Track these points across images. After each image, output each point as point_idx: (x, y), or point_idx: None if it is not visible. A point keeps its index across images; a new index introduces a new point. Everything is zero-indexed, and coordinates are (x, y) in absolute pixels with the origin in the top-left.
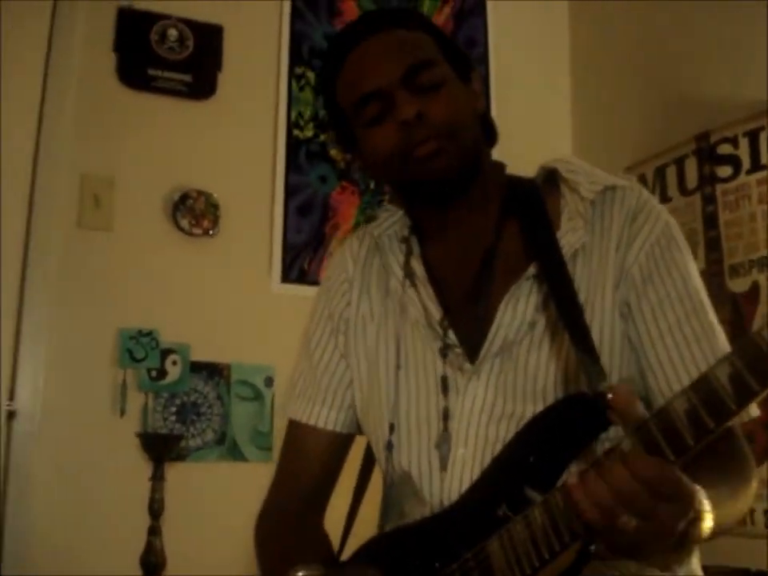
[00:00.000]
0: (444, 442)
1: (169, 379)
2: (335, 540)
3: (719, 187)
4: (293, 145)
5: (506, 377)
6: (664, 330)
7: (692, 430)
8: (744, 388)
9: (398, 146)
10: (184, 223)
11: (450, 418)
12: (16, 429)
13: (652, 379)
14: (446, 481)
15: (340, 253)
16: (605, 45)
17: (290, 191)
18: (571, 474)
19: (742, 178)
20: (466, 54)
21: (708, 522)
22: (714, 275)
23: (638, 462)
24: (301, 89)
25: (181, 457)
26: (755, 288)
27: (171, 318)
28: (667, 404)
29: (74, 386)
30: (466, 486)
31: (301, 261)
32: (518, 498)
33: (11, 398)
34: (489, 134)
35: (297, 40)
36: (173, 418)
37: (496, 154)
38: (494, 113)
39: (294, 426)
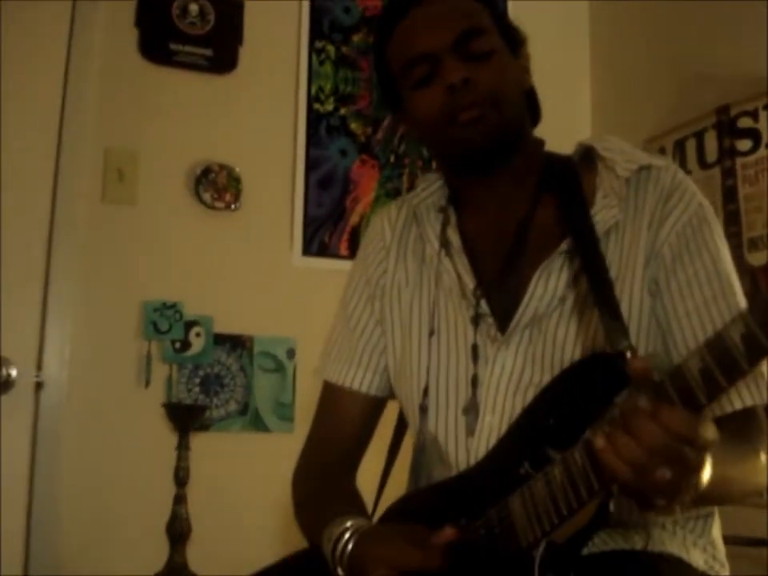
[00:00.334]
0: (472, 408)
1: (192, 351)
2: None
3: (739, 161)
4: (313, 119)
5: (535, 348)
6: (691, 309)
7: (705, 388)
8: (756, 347)
9: (442, 109)
10: (206, 197)
11: (478, 385)
12: (43, 400)
13: (677, 357)
14: (473, 447)
15: (378, 221)
16: (625, 18)
17: (310, 165)
18: (595, 435)
19: (762, 151)
20: (518, 29)
21: (706, 471)
22: (732, 249)
23: (665, 414)
24: (321, 63)
25: (204, 427)
26: None
27: (194, 290)
28: (682, 363)
29: (100, 357)
30: None
31: (321, 234)
32: (540, 457)
33: (39, 369)
34: (533, 111)
35: (317, 14)
36: (196, 389)
37: None
38: None
39: (329, 388)
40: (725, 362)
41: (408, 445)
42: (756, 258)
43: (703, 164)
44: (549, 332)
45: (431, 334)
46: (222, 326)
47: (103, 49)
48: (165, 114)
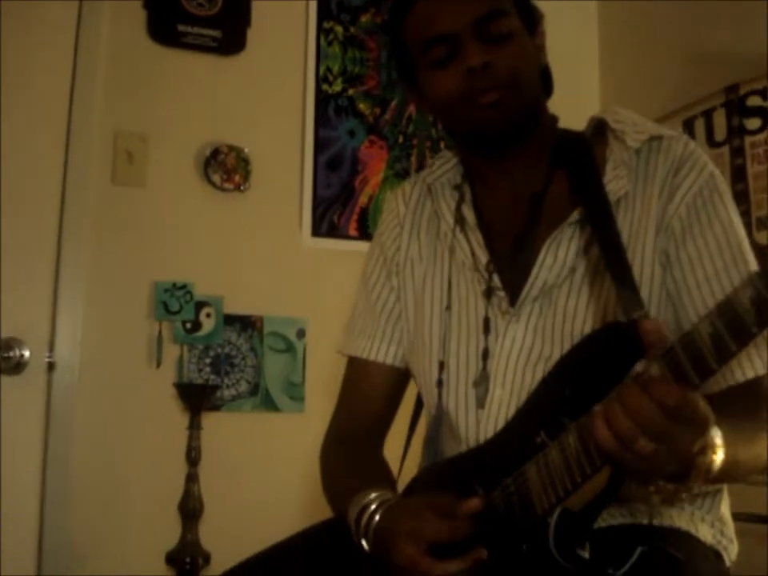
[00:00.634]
0: (482, 381)
1: (203, 331)
2: None
3: (748, 139)
4: (321, 99)
5: (545, 320)
6: (701, 280)
7: (715, 353)
8: (765, 309)
9: (461, 91)
10: (215, 178)
11: (489, 358)
12: (55, 380)
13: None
14: (482, 420)
15: (393, 198)
16: None
17: (319, 145)
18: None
19: None
20: (535, 6)
21: (719, 456)
22: None
23: (656, 386)
24: (329, 43)
25: (216, 407)
26: None
27: (204, 271)
28: (692, 329)
29: (111, 338)
30: (501, 425)
31: (331, 215)
32: (556, 427)
33: (51, 350)
34: (546, 85)
35: None
36: (207, 369)
37: None
38: None
39: (354, 363)
40: (735, 326)
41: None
42: (764, 237)
43: (712, 143)
44: (559, 304)
45: (446, 308)
46: (233, 307)
47: (112, 31)
48: (174, 96)
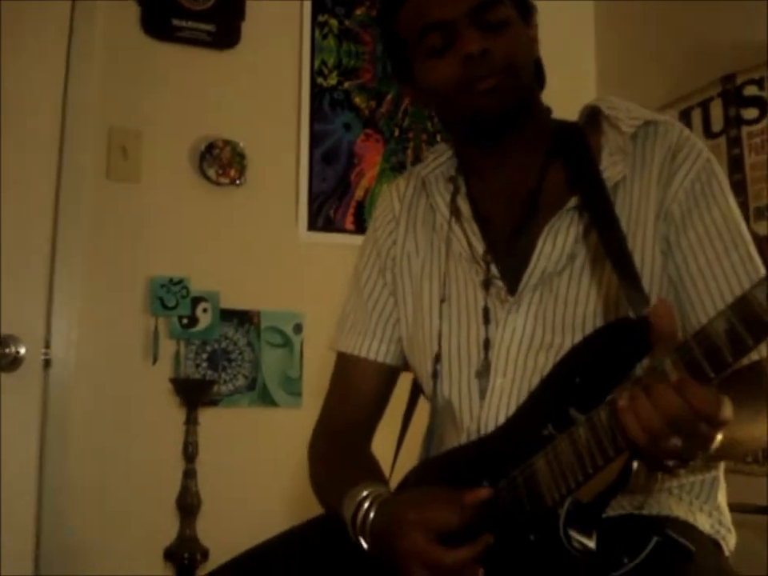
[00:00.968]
0: (484, 371)
1: (200, 327)
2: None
3: (745, 129)
4: (317, 93)
5: (546, 308)
6: (703, 265)
7: (731, 347)
8: None
9: (459, 78)
10: (211, 173)
11: (490, 347)
12: (52, 377)
13: (691, 313)
14: (484, 409)
15: (387, 193)
16: None
17: (314, 139)
18: (620, 395)
19: None
20: None
21: (718, 438)
22: None
23: (687, 386)
24: (324, 37)
25: (213, 402)
26: None
27: (201, 266)
28: (707, 324)
29: (107, 334)
30: (503, 414)
31: (327, 209)
32: (563, 419)
33: (47, 346)
34: (539, 78)
35: None
36: (204, 364)
37: None
38: None
39: (343, 359)
40: (750, 321)
41: (420, 415)
42: (762, 227)
43: (709, 133)
44: (560, 291)
45: (442, 300)
46: (229, 302)
47: (105, 26)
48: (168, 91)
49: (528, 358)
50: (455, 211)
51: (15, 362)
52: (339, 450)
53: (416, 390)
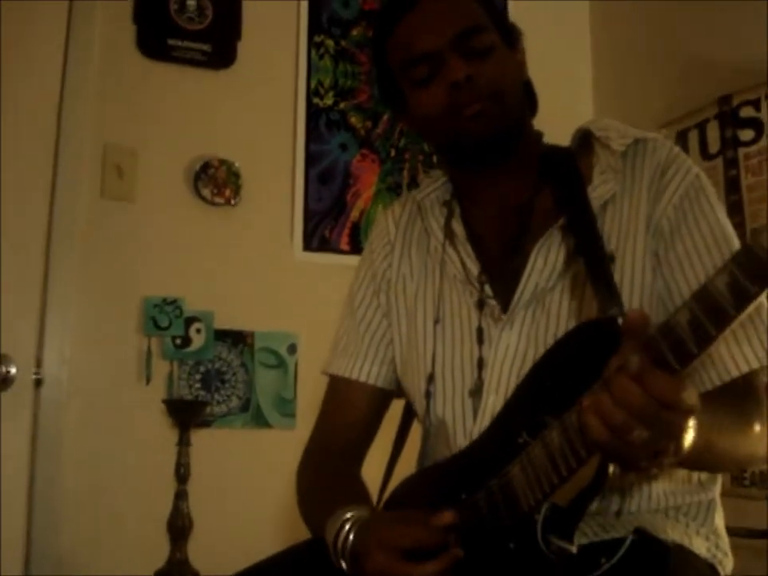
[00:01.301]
0: (477, 390)
1: (193, 347)
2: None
3: (741, 151)
4: (313, 113)
5: (538, 326)
6: (690, 278)
7: (695, 338)
8: (741, 293)
9: (446, 106)
10: (206, 192)
11: (484, 367)
12: (43, 396)
13: None
14: (476, 426)
15: (383, 218)
16: (626, 7)
17: (310, 159)
18: (585, 396)
19: (764, 141)
20: (513, 23)
21: (689, 436)
22: None
23: (645, 374)
24: (320, 57)
25: (206, 423)
26: None
27: (195, 286)
28: (670, 317)
29: (100, 354)
30: None
31: (322, 229)
32: (538, 426)
33: (38, 366)
34: (530, 102)
35: (316, 8)
36: (198, 385)
37: None
38: None
39: (335, 381)
40: (712, 310)
41: (413, 438)
42: None
43: (705, 155)
44: (552, 309)
45: (436, 321)
46: (223, 322)
47: (101, 45)
48: (164, 110)
49: (521, 375)
50: (449, 234)
51: (6, 382)
52: (328, 472)
53: (408, 416)
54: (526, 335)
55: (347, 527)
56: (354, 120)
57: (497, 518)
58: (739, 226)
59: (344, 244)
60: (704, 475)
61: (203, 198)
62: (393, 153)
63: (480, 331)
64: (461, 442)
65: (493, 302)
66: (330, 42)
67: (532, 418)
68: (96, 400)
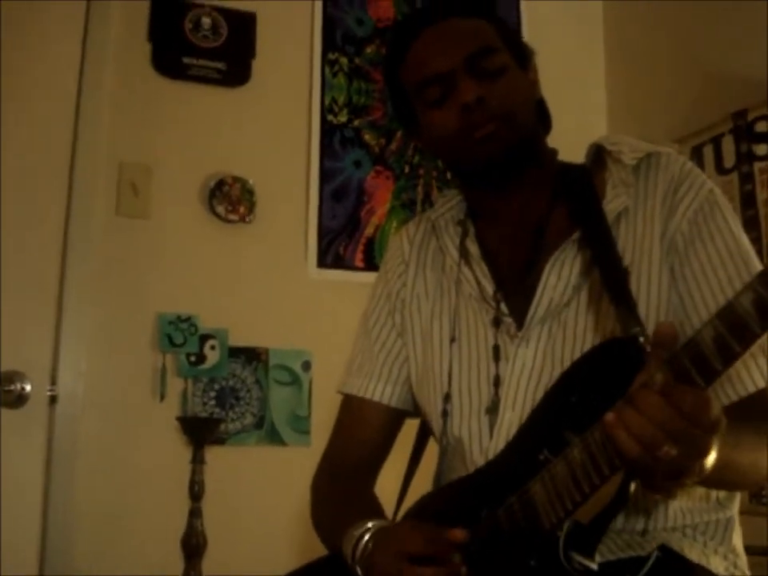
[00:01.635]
0: (494, 407)
1: (207, 364)
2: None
3: (757, 165)
4: (327, 130)
5: (554, 342)
6: (706, 293)
7: (720, 355)
8: (767, 310)
9: (457, 128)
10: (220, 210)
11: (500, 384)
12: (58, 413)
13: None
14: (492, 443)
15: (398, 238)
16: (640, 22)
17: (324, 176)
18: (608, 412)
19: None
20: (525, 43)
21: (712, 455)
22: None
23: (670, 389)
24: (334, 75)
25: (220, 440)
26: None
27: (209, 303)
28: (695, 334)
29: (115, 370)
30: None
31: (336, 246)
32: (558, 443)
33: (53, 382)
34: (544, 121)
35: (330, 26)
36: (212, 402)
37: None
38: None
39: (349, 401)
40: (737, 328)
41: (428, 457)
42: None
43: (721, 169)
44: (568, 324)
45: (452, 340)
46: (237, 339)
47: (117, 63)
48: (178, 128)
49: (537, 392)
50: (464, 253)
51: (20, 399)
52: (341, 490)
53: (423, 434)
54: (542, 351)
55: (366, 537)
56: (367, 137)
57: (518, 535)
58: (756, 241)
59: (358, 261)
60: (722, 493)
61: (217, 216)
62: (407, 169)
63: (496, 349)
64: (477, 459)
65: (509, 320)
66: (343, 60)
67: (553, 435)
68: (110, 417)
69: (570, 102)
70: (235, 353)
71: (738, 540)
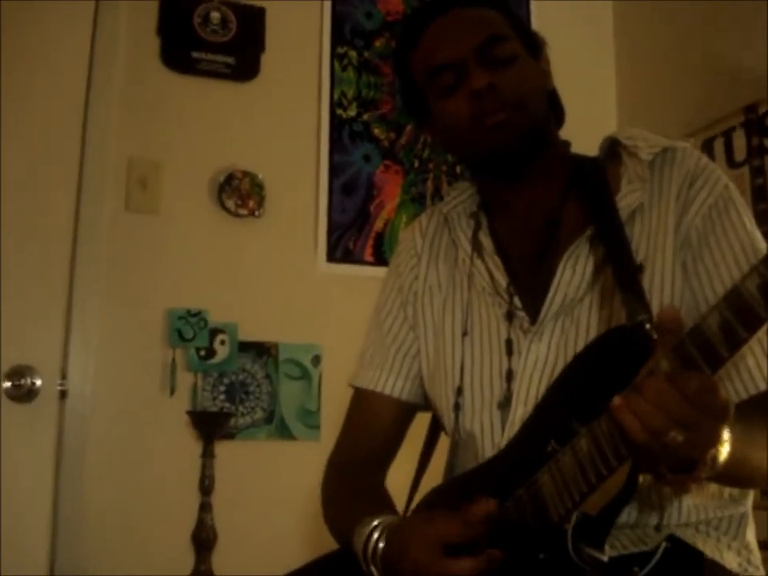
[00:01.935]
0: (506, 402)
1: (217, 359)
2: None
3: None
4: (336, 124)
5: (568, 337)
6: (718, 290)
7: (726, 341)
8: None
9: (468, 115)
10: (230, 204)
11: (513, 378)
12: (68, 408)
13: None
14: (505, 439)
15: (410, 230)
16: (650, 17)
17: (334, 171)
18: (614, 399)
19: None
20: (536, 33)
21: (725, 449)
22: None
23: (676, 375)
24: (343, 69)
25: (230, 435)
26: None
27: (219, 298)
28: (701, 321)
29: (125, 365)
30: None
31: (346, 240)
32: (566, 433)
33: (63, 377)
34: (557, 113)
35: (339, 20)
36: (222, 396)
37: None
38: None
39: (360, 394)
40: (743, 313)
41: (440, 451)
42: None
43: (732, 163)
44: (581, 320)
45: (465, 333)
46: (247, 334)
47: (125, 58)
48: (187, 123)
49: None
50: (477, 246)
51: (30, 394)
52: (352, 484)
53: (435, 428)
54: (555, 346)
55: (377, 534)
56: (377, 131)
57: (526, 527)
58: (767, 236)
59: (368, 255)
60: (735, 489)
61: (227, 210)
62: (416, 164)
63: (509, 343)
64: (488, 454)
65: (522, 314)
66: (353, 54)
67: (561, 426)
68: (120, 411)
69: (581, 99)
70: (245, 347)
71: (751, 535)
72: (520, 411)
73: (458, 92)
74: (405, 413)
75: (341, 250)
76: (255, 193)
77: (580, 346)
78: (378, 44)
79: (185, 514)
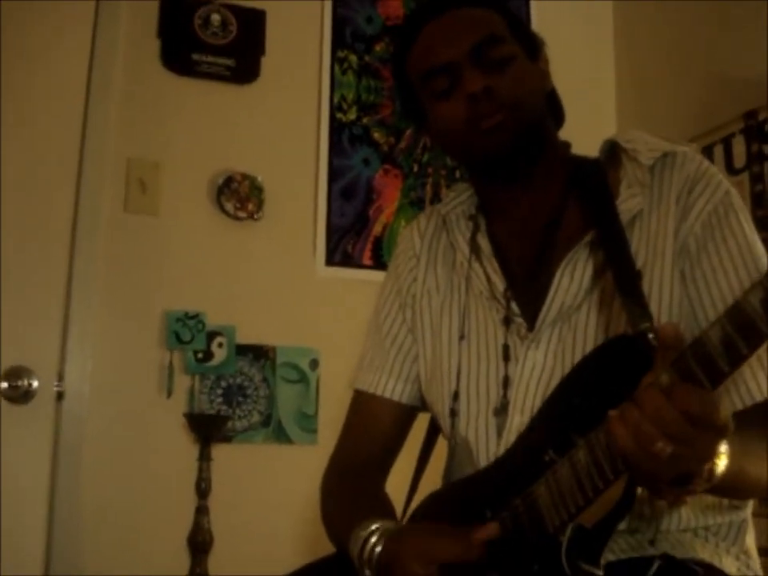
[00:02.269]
0: (502, 409)
1: (215, 361)
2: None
3: (767, 165)
4: (336, 128)
5: (565, 345)
6: (716, 297)
7: (726, 356)
8: None
9: (464, 118)
10: (229, 207)
11: (509, 385)
12: (65, 410)
13: None
14: (501, 447)
15: (408, 231)
16: (650, 22)
17: (333, 174)
18: (611, 411)
19: None
20: (535, 33)
21: (722, 462)
22: None
23: (675, 388)
24: (343, 72)
25: (227, 438)
26: None
27: (217, 300)
28: (702, 334)
29: (122, 367)
30: None
31: (345, 244)
32: (564, 443)
33: (60, 379)
34: (556, 113)
35: (339, 24)
36: (219, 399)
37: None
38: None
39: (360, 396)
40: (745, 328)
41: (438, 454)
42: None
43: (731, 169)
44: (579, 327)
45: (461, 338)
46: (245, 337)
47: (126, 59)
48: (187, 124)
49: (547, 395)
50: (475, 249)
51: (27, 395)
52: (351, 487)
53: (433, 431)
54: (553, 354)
55: (374, 539)
56: (376, 135)
57: (522, 538)
58: (766, 242)
59: (366, 259)
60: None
61: (226, 212)
62: (416, 168)
63: (506, 348)
64: (484, 462)
65: (519, 320)
66: (353, 58)
67: (559, 436)
68: (117, 413)
69: (580, 102)
70: (243, 350)
71: (750, 541)
72: (516, 420)
73: (453, 95)
74: (405, 416)
75: (339, 253)
76: (254, 196)
77: (578, 354)
78: (378, 48)
79: (181, 517)
